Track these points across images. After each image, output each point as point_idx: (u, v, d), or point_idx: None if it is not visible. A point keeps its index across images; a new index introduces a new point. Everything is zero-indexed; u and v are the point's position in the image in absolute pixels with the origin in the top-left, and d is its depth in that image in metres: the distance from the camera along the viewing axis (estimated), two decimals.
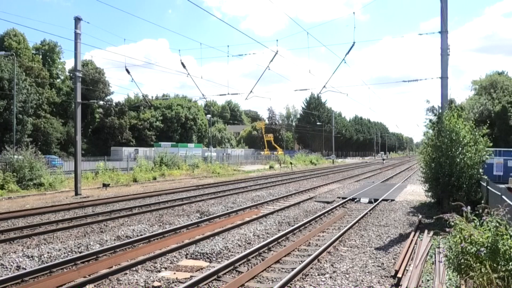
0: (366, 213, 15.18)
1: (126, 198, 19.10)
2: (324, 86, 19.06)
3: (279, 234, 11.08)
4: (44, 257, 8.91)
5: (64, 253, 9.32)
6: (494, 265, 5.12)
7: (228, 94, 44.57)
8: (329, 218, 14.33)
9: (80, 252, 9.37)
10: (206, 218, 13.90)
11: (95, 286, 7.24)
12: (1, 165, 22.41)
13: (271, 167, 49.57)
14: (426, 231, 11.41)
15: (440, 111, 14.94)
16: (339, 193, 22.64)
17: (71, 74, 60.31)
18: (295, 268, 7.88)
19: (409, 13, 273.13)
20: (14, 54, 43.07)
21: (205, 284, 7.30)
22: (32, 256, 8.85)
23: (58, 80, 68.10)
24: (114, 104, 73.92)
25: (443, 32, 15.12)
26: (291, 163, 53.98)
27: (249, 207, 16.60)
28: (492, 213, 5.67)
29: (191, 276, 7.79)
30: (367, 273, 7.95)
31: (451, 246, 5.85)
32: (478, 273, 5.23)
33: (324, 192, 23.27)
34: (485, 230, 5.47)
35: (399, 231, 12.12)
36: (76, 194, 20.68)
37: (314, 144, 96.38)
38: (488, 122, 19.97)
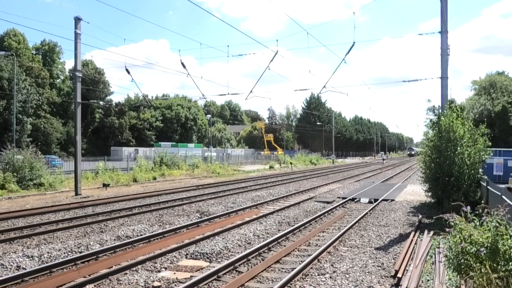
0: (366, 213, 15.18)
1: (126, 198, 19.10)
2: (324, 86, 19.09)
3: (279, 234, 11.08)
4: (44, 257, 8.91)
5: (64, 253, 9.31)
6: (494, 265, 5.12)
7: (228, 94, 44.75)
8: (329, 218, 14.33)
9: (80, 252, 9.37)
10: (206, 218, 13.90)
11: (95, 286, 7.25)
12: (1, 165, 22.41)
13: (271, 167, 49.55)
14: (426, 231, 11.41)
15: (440, 111, 14.95)
16: (339, 193, 22.64)
17: (71, 74, 60.41)
18: (295, 268, 7.88)
19: (408, 14, 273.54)
20: (14, 54, 43.12)
21: (205, 284, 7.30)
22: (32, 256, 8.85)
23: (58, 80, 68.15)
24: (114, 104, 74.03)
25: (443, 32, 15.13)
26: (291, 163, 53.97)
27: (249, 207, 16.60)
28: (492, 213, 5.67)
29: (191, 276, 7.79)
30: (367, 273, 7.95)
31: (451, 246, 5.85)
32: (478, 273, 5.23)
33: (324, 192, 23.27)
34: (485, 230, 5.46)
35: (399, 231, 12.12)
36: (76, 194, 20.69)
37: (314, 144, 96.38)
38: (486, 121, 19.94)
